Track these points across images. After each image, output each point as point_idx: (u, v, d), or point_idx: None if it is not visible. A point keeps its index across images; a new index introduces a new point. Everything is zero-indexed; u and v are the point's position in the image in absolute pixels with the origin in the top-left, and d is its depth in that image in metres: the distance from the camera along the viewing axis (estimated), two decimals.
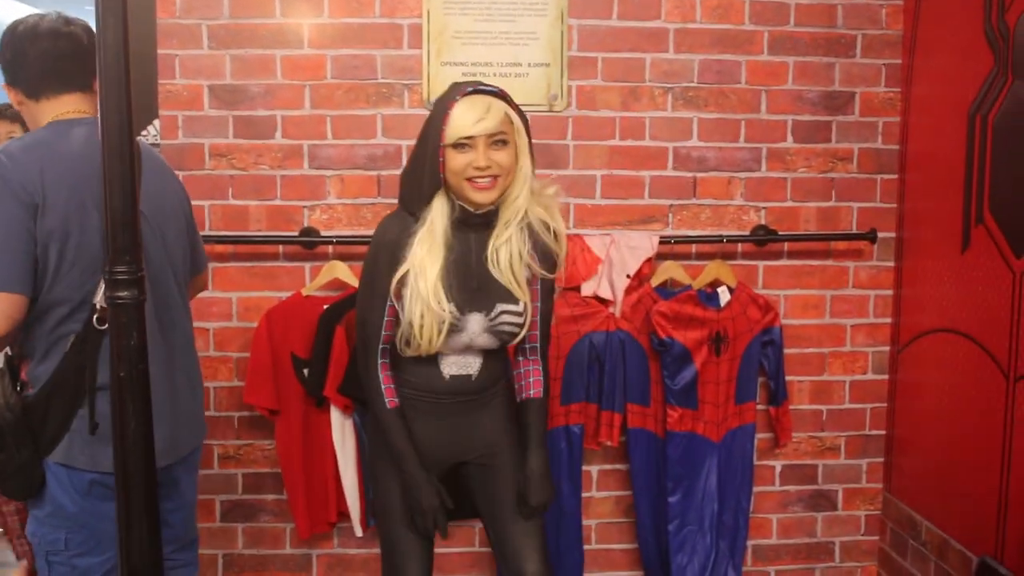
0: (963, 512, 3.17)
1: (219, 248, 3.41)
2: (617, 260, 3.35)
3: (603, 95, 3.43)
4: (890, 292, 3.62)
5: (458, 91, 2.26)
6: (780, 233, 3.51)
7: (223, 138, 3.40)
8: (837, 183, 3.55)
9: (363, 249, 3.36)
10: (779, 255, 3.57)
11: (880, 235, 3.56)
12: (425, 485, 2.42)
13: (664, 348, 3.29)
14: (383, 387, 2.42)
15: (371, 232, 3.34)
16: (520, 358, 2.59)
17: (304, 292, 3.36)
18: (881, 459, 3.71)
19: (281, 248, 3.44)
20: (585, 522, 3.53)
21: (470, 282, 2.36)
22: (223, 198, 3.43)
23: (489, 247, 2.35)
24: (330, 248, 3.42)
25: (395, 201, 3.33)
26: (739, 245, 3.53)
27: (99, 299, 2.21)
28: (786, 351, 3.53)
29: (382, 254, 2.35)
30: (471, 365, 2.46)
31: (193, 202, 3.36)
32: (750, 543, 3.66)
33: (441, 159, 2.26)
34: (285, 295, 3.41)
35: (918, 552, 3.44)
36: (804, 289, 3.59)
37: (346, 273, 3.35)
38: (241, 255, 3.45)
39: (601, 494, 3.60)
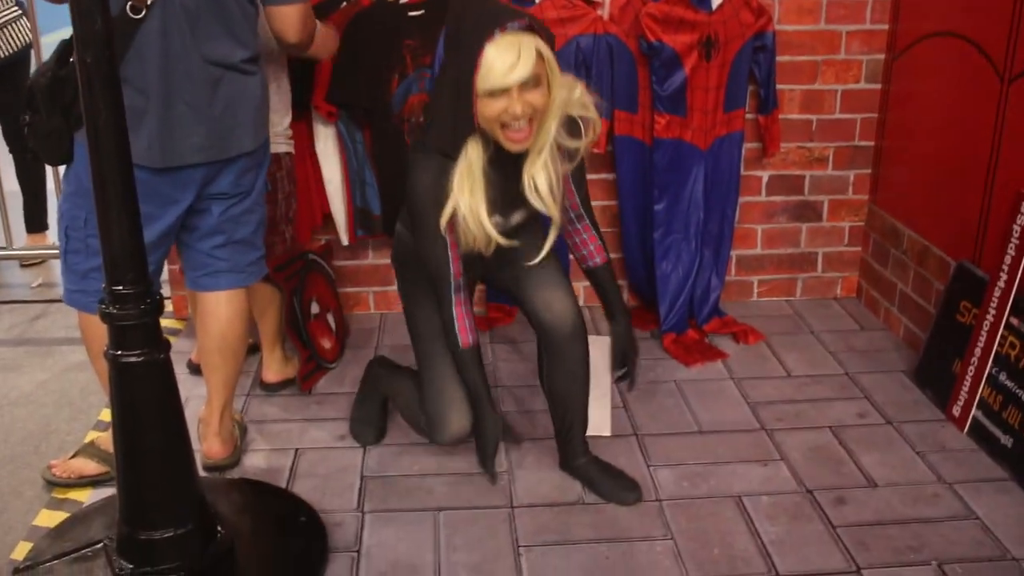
0: (946, 219, 3.19)
1: None
2: None
3: None
4: None
5: (486, 32, 2.10)
6: None
7: None
8: None
9: None
10: None
11: None
12: (493, 422, 2.48)
13: (653, 52, 3.20)
14: (457, 325, 2.38)
15: None
16: (570, 228, 2.55)
17: None
18: (868, 171, 3.69)
19: None
20: None
21: (511, 195, 2.34)
22: None
23: (525, 177, 2.30)
24: None
25: None
26: None
27: None
28: (777, 59, 3.43)
29: (426, 199, 2.27)
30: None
31: None
32: (734, 252, 3.70)
33: (475, 106, 2.15)
34: None
35: (898, 260, 3.48)
36: None
37: None
38: None
39: None
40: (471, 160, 2.22)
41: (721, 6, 3.25)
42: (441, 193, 2.24)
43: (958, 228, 3.09)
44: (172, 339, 3.42)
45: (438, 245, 2.31)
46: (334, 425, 2.95)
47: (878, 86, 3.58)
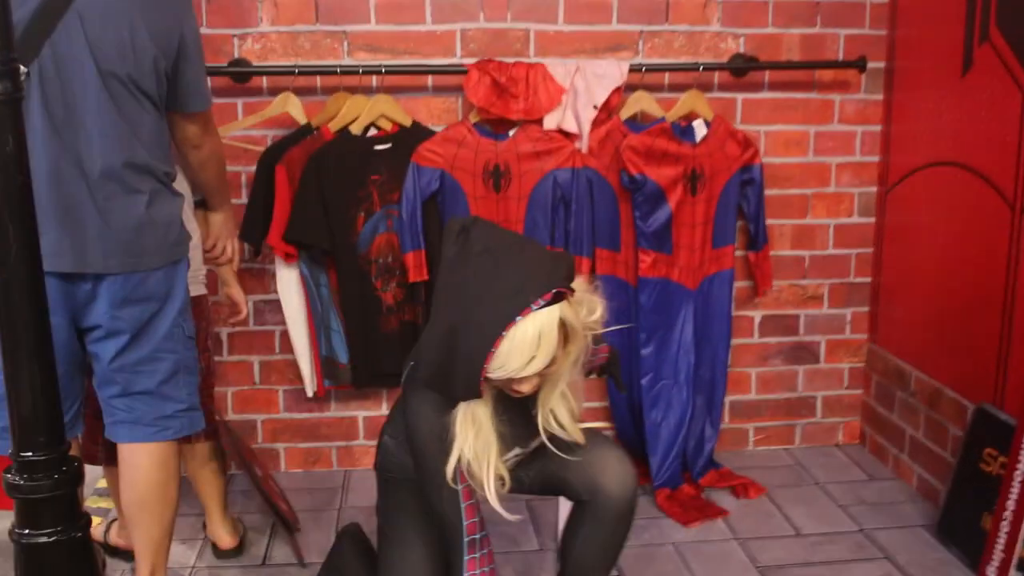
0: (958, 359, 2.94)
1: None
2: (583, 90, 3.02)
3: None
4: (878, 128, 3.33)
5: (505, 318, 1.80)
6: (761, 62, 3.19)
7: None
8: (823, 7, 3.21)
9: (305, 82, 3.05)
10: (759, 87, 3.26)
11: (869, 65, 3.24)
12: None
13: (635, 186, 2.99)
14: None
15: (309, 62, 3.05)
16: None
17: (237, 128, 3.03)
18: (866, 308, 3.47)
19: (209, 81, 3.07)
20: None
21: (527, 422, 2.05)
22: None
23: (540, 411, 2.02)
24: (264, 81, 3.08)
25: (335, 29, 3.05)
26: (716, 75, 3.21)
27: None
28: (766, 192, 3.24)
29: (428, 444, 1.99)
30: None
31: None
32: (728, 399, 3.42)
33: (479, 382, 1.87)
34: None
35: (906, 404, 3.22)
36: (786, 124, 3.29)
37: (298, 109, 3.02)
38: None
39: None
40: (474, 409, 1.93)
41: (706, 138, 3.08)
42: (444, 433, 1.94)
43: (974, 368, 2.85)
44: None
45: (446, 497, 1.98)
46: None
47: (872, 220, 3.40)
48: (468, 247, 1.87)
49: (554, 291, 1.82)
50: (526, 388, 1.89)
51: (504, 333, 1.78)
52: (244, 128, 3.05)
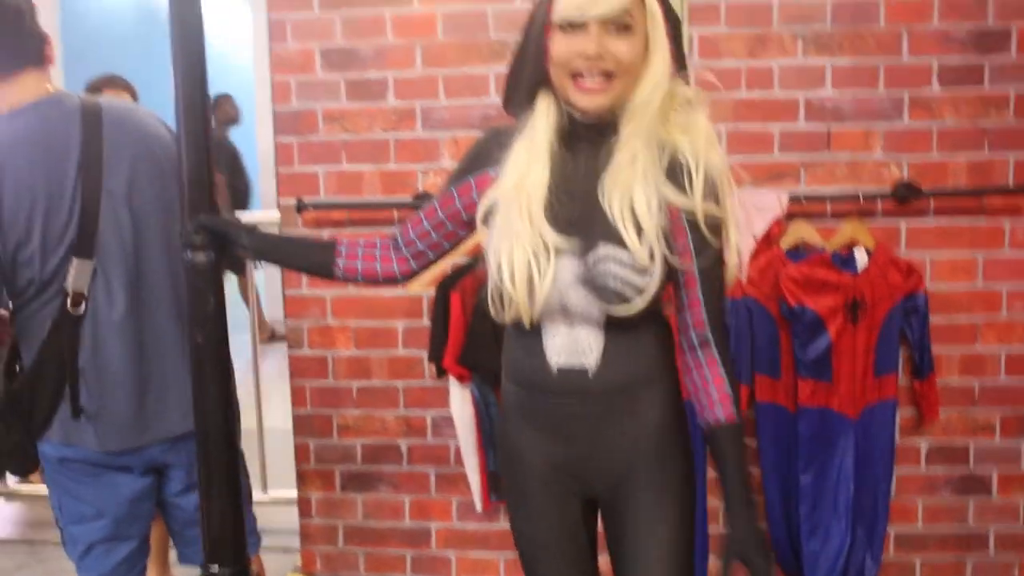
0: None
1: (334, 215, 3.38)
2: (742, 221, 3.13)
3: (727, 43, 3.19)
4: None
5: None
6: (925, 190, 3.21)
7: (335, 102, 3.34)
8: (990, 132, 3.20)
9: None
10: (924, 213, 3.26)
11: None
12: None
13: (794, 316, 3.06)
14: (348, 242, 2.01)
15: None
16: (688, 359, 1.82)
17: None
18: None
19: (396, 213, 3.37)
20: (711, 502, 3.32)
21: (569, 211, 1.73)
22: (337, 163, 3.37)
23: (602, 173, 1.72)
24: None
25: None
26: (878, 203, 3.23)
27: (69, 283, 2.15)
28: (932, 319, 3.22)
29: (469, 151, 1.89)
30: (584, 350, 1.76)
31: (307, 167, 3.37)
32: (892, 530, 3.37)
33: (547, 44, 1.68)
34: None
35: None
36: (953, 250, 3.27)
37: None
38: (356, 221, 3.39)
39: None
40: (536, 124, 1.75)
41: (867, 267, 3.12)
42: (491, 153, 1.81)
43: None
44: None
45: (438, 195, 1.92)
46: None
47: None
48: None
49: None
50: (592, 53, 1.64)
51: None
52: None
